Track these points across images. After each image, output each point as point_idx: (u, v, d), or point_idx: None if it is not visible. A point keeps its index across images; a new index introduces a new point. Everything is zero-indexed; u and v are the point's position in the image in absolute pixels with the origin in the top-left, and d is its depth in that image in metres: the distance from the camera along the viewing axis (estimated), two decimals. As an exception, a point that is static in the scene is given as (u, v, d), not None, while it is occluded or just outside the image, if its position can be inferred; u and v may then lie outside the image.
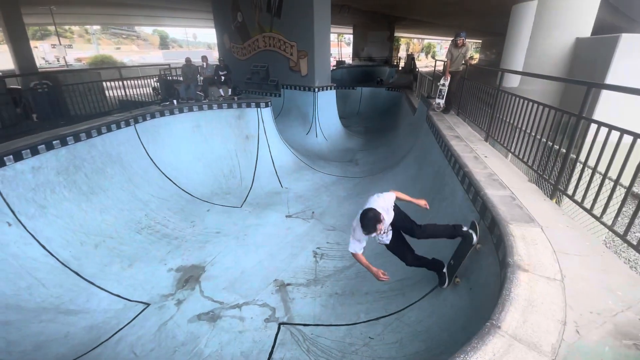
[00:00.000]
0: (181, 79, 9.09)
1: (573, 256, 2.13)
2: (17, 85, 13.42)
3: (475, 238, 2.76)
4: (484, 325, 1.56)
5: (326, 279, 4.61)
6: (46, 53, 39.85)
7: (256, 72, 12.15)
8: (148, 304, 4.21)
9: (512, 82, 6.48)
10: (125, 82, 9.37)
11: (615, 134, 2.43)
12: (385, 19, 29.52)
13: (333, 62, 26.98)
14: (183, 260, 5.11)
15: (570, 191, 3.02)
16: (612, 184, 2.48)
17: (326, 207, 6.84)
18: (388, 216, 2.89)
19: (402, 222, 3.07)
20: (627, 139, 2.34)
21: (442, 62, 9.17)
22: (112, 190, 5.76)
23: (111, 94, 10.03)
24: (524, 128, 4.08)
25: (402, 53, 49.83)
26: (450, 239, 3.08)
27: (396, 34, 38.40)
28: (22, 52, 15.34)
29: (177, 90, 8.03)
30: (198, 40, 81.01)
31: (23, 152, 4.66)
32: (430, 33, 54.87)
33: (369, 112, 15.87)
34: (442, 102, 6.39)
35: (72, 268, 4.48)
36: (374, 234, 2.76)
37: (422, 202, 3.23)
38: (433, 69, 10.83)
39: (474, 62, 6.15)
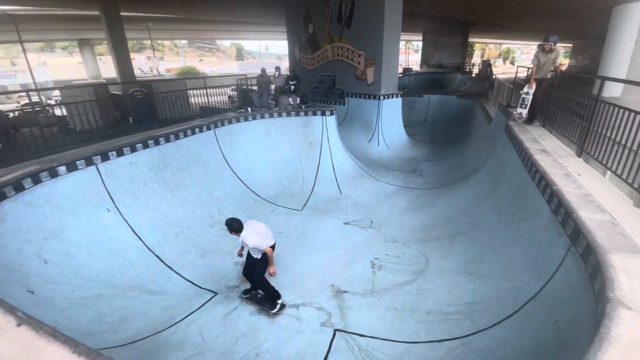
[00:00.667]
0: (255, 88, 9.82)
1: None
2: (117, 91, 15.99)
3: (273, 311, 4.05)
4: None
5: (384, 292, 4.48)
6: (142, 64, 46.49)
7: (323, 82, 12.51)
8: (216, 293, 4.57)
9: (613, 91, 5.62)
10: (206, 90, 10.48)
11: None
12: (459, 24, 28.08)
13: (399, 70, 26.46)
14: (247, 256, 5.44)
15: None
16: None
17: (385, 218, 6.68)
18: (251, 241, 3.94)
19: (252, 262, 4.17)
20: None
21: (526, 69, 8.35)
22: (192, 186, 6.43)
23: (193, 101, 11.33)
24: (628, 144, 3.48)
25: (476, 59, 46.64)
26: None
27: (470, 39, 36.20)
28: (123, 63, 18.16)
29: (252, 99, 8.67)
30: (270, 52, 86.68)
31: (124, 149, 5.48)
32: (510, 37, 50.40)
33: (436, 121, 15.13)
34: (524, 111, 5.80)
35: (156, 253, 5.09)
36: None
37: (272, 270, 4.24)
38: (514, 75, 9.90)
39: (563, 68, 5.49)
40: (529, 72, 5.79)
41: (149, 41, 34.76)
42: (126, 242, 4.84)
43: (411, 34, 37.74)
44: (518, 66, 10.44)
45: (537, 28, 32.74)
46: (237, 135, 7.94)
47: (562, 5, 18.24)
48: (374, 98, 10.54)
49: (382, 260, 5.22)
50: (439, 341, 3.41)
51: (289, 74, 8.80)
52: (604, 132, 3.85)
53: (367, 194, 7.76)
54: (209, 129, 7.15)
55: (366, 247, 5.65)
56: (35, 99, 17.20)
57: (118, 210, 5.03)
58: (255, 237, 3.92)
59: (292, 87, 8.64)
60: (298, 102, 8.77)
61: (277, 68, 9.20)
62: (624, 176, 3.21)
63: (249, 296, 4.38)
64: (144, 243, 5.05)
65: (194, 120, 8.00)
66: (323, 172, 8.26)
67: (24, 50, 18.03)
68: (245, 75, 9.55)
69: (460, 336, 3.31)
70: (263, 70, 8.96)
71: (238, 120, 7.97)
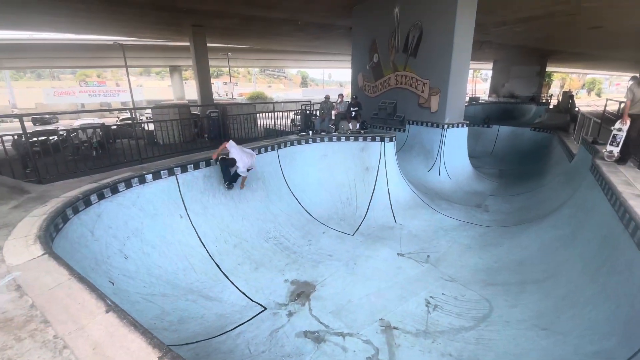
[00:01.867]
0: (317, 113, 10.28)
1: None
2: (197, 112, 18.04)
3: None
4: None
5: (439, 335, 4.13)
6: (219, 88, 51.99)
7: (383, 108, 12.58)
8: (265, 308, 4.67)
9: None
10: (273, 113, 11.31)
11: None
12: (535, 52, 26.35)
13: (466, 99, 25.40)
14: (298, 275, 5.51)
15: None
16: None
17: (444, 253, 6.25)
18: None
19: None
20: None
21: (618, 102, 7.41)
22: (253, 201, 6.83)
23: (260, 123, 12.28)
24: None
25: (555, 89, 42.77)
26: None
27: (548, 69, 33.54)
28: (204, 87, 20.54)
29: (314, 123, 9.07)
30: (332, 79, 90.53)
31: (200, 162, 6.09)
32: (596, 67, 45.51)
33: (506, 154, 14.06)
34: (616, 150, 5.10)
35: (216, 261, 5.44)
36: None
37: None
38: (602, 109, 8.82)
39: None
40: (622, 106, 5.13)
41: (227, 68, 38.96)
42: (192, 247, 5.27)
43: (481, 62, 36.38)
44: (607, 99, 9.30)
45: (630, 57, 29.10)
46: (296, 156, 8.30)
47: (665, 32, 16.11)
48: (437, 126, 10.24)
49: (439, 299, 4.85)
50: (503, 402, 3.00)
51: (351, 100, 9.05)
52: None
53: (424, 225, 7.39)
54: (272, 149, 7.62)
55: (421, 283, 5.32)
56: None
57: (189, 217, 5.54)
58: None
59: (353, 113, 8.84)
60: (357, 127, 8.91)
61: (341, 95, 9.56)
62: None
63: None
64: (206, 250, 5.45)
65: (260, 140, 8.62)
66: (378, 198, 8.13)
67: (127, 74, 21.50)
68: (310, 100, 10.07)
69: (530, 402, 2.88)
70: (327, 97, 9.38)
71: (299, 143, 8.36)
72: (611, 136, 5.17)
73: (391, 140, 8.36)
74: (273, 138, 8.43)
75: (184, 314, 4.28)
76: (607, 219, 3.87)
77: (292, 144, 8.16)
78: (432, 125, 10.50)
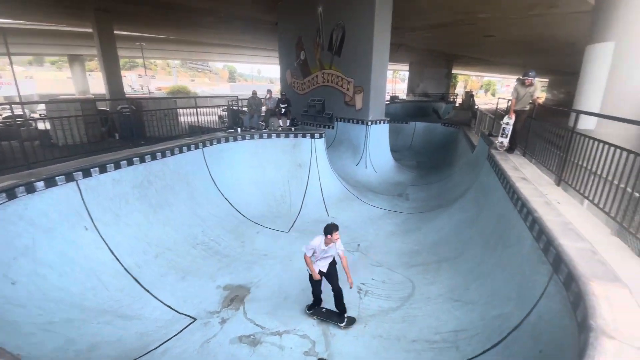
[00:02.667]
0: (246, 109, 9.92)
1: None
2: (106, 107, 15.86)
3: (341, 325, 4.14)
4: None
5: (370, 319, 4.37)
6: (133, 82, 46.59)
7: (313, 106, 12.78)
8: (194, 319, 4.36)
9: (588, 124, 5.94)
10: (197, 110, 10.53)
11: None
12: (443, 57, 29.60)
13: (387, 98, 27.31)
14: (231, 279, 5.26)
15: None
16: None
17: (372, 241, 6.65)
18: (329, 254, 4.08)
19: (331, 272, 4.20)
20: None
21: (506, 100, 8.79)
22: (176, 205, 6.29)
23: (183, 120, 11.33)
24: (604, 174, 3.65)
25: (459, 90, 48.87)
26: None
27: (454, 71, 38.05)
28: (113, 80, 18.16)
29: (242, 120, 8.74)
30: (262, 75, 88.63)
31: (107, 165, 5.36)
32: (491, 71, 53.34)
33: (422, 147, 15.55)
34: (505, 140, 6.04)
35: (133, 274, 4.87)
36: (323, 246, 3.93)
37: (350, 281, 4.08)
38: (495, 106, 10.39)
39: (540, 101, 5.81)
40: (509, 103, 6.08)
41: (141, 59, 35.08)
42: (102, 263, 4.62)
43: (398, 64, 39.46)
44: (499, 98, 10.98)
45: (517, 63, 34.88)
46: (224, 154, 7.91)
47: (539, 43, 19.60)
48: (362, 123, 10.80)
49: (369, 285, 5.14)
50: (425, 371, 3.32)
51: (280, 97, 8.96)
52: (580, 163, 4.03)
53: (354, 216, 7.75)
54: (197, 147, 7.11)
55: (353, 271, 5.48)
56: (18, 111, 16.85)
57: (96, 228, 4.83)
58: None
59: (283, 109, 8.78)
60: (288, 124, 8.88)
61: (269, 91, 9.38)
62: (601, 205, 3.34)
63: (313, 312, 4.42)
64: (121, 264, 4.83)
65: (183, 138, 7.96)
66: (311, 193, 8.25)
67: (10, 63, 17.79)
68: (237, 96, 9.66)
69: (446, 366, 3.23)
70: (254, 93, 9.10)
71: (227, 140, 7.98)
72: (501, 129, 6.09)
73: (321, 136, 8.53)
74: (198, 136, 7.86)
75: (95, 339, 3.73)
76: (501, 199, 4.55)
77: (219, 142, 7.74)
78: (357, 122, 11.04)
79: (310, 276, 4.13)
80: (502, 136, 6.12)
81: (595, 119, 5.42)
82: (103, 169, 5.16)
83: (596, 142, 3.64)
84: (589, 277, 2.20)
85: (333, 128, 11.94)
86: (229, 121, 8.63)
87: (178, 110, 11.52)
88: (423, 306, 4.40)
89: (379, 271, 5.51)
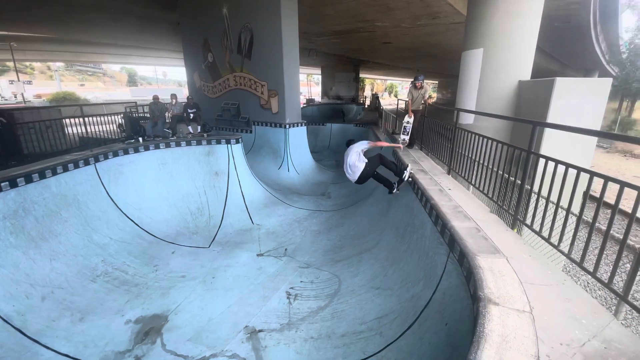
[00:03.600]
0: (148, 116, 8.93)
1: (538, 286, 2.20)
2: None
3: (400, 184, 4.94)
4: (463, 364, 1.53)
5: (301, 322, 4.37)
6: (3, 89, 37.88)
7: (227, 110, 12.25)
8: (100, 365, 3.72)
9: (468, 119, 6.99)
10: (87, 119, 9.04)
11: (562, 166, 2.66)
12: (350, 62, 31.62)
13: (303, 100, 27.98)
14: (143, 310, 4.66)
15: (528, 221, 3.19)
16: (564, 212, 2.65)
17: (299, 243, 6.69)
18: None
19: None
20: (572, 170, 2.57)
21: (404, 101, 9.82)
22: (65, 234, 5.28)
23: (72, 131, 9.59)
24: (481, 161, 4.37)
25: (367, 92, 53.00)
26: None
27: (361, 75, 41.07)
28: None
29: (144, 128, 7.82)
30: (168, 78, 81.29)
31: (-37, 195, 4.21)
32: (392, 74, 59.32)
33: (339, 147, 16.30)
34: (406, 137, 6.73)
35: (15, 325, 3.94)
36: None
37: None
38: (396, 107, 11.54)
39: (431, 101, 6.65)
40: (406, 104, 6.81)
41: (12, 62, 28.58)
42: (-40, 321, 3.59)
43: (311, 67, 40.72)
44: (398, 99, 12.22)
45: (411, 68, 39.46)
46: (125, 168, 6.97)
47: (425, 50, 22.49)
48: (281, 126, 10.79)
49: (298, 288, 5.14)
50: (355, 363, 3.45)
51: (187, 101, 8.30)
52: (463, 153, 4.73)
53: (280, 221, 7.67)
54: (87, 163, 6.08)
55: (281, 277, 5.49)
56: None
57: (-53, 278, 3.73)
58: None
59: (192, 115, 8.16)
60: (199, 130, 8.30)
61: (174, 95, 8.60)
62: (481, 188, 3.98)
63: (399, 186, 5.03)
64: (-8, 316, 3.84)
65: (70, 153, 6.73)
66: (232, 202, 7.87)
67: None
68: (136, 102, 8.61)
69: (373, 353, 3.42)
70: (156, 97, 8.22)
71: (126, 152, 7.04)
72: (403, 127, 6.77)
73: (238, 142, 8.21)
74: (89, 149, 6.74)
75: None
76: (406, 190, 5.05)
77: (116, 155, 6.78)
78: (275, 126, 10.98)
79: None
80: (403, 134, 6.82)
81: (473, 114, 6.44)
82: (-48, 201, 4.01)
83: (472, 135, 4.32)
84: (476, 252, 2.57)
85: (251, 132, 11.64)
86: (127, 130, 7.62)
87: (64, 120, 9.74)
88: (349, 299, 4.59)
89: (307, 272, 5.56)
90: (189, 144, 7.91)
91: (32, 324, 4.06)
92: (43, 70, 64.18)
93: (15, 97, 35.98)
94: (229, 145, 8.22)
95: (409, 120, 6.63)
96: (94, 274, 5.09)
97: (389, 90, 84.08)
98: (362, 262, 5.26)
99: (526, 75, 6.63)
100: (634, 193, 2.03)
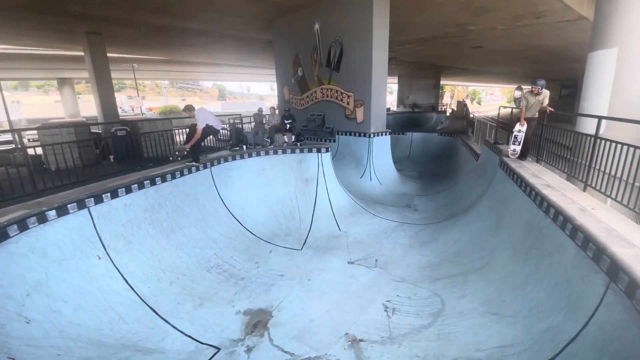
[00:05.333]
0: (246, 126, 9.85)
1: None
2: (98, 130, 15.50)
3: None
4: None
5: (402, 338, 4.20)
6: (123, 103, 46.22)
7: (312, 120, 12.80)
8: (218, 349, 4.11)
9: (592, 128, 6.02)
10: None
11: None
12: (431, 68, 30.36)
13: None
14: (250, 303, 5.03)
15: None
16: None
17: (390, 256, 6.51)
18: None
19: None
20: None
21: (510, 108, 8.92)
22: (187, 227, 6.07)
23: (178, 139, 11.13)
24: (624, 177, 3.67)
25: (447, 99, 50.06)
26: None
27: (441, 82, 39.00)
28: (107, 102, 17.89)
29: (246, 137, 8.65)
30: (251, 92, 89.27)
31: (119, 190, 5.16)
32: (476, 80, 54.97)
33: (420, 157, 15.67)
34: (518, 148, 6.08)
35: (150, 304, 4.61)
36: None
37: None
38: (490, 114, 10.58)
39: (551, 109, 5.90)
40: (515, 111, 6.15)
41: (129, 81, 34.99)
42: (117, 293, 4.36)
43: (388, 76, 40.23)
44: (500, 106, 11.19)
45: (500, 72, 36.02)
46: (232, 172, 7.76)
47: (524, 52, 20.26)
48: (365, 136, 10.82)
49: (395, 302, 4.97)
50: (475, 393, 3.15)
51: (284, 113, 8.94)
52: (602, 168, 4.04)
53: (366, 230, 7.62)
54: (205, 167, 6.95)
55: (375, 288, 5.40)
56: (7, 137, 16.38)
57: (109, 256, 4.59)
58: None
59: (288, 125, 8.73)
60: (293, 140, 8.82)
61: (273, 108, 9.37)
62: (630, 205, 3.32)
63: None
64: (136, 293, 4.58)
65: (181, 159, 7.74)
66: (320, 208, 8.11)
67: (0, 89, 17.42)
68: (240, 114, 9.61)
69: (498, 386, 3.08)
70: (260, 110, 9.07)
71: (234, 158, 7.84)
72: (513, 137, 6.13)
73: (327, 151, 8.48)
74: (204, 155, 7.68)
75: (116, 378, 3.46)
76: (526, 206, 4.51)
77: (225, 160, 7.60)
78: (359, 135, 11.06)
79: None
80: (514, 143, 6.17)
81: (600, 123, 5.51)
82: (115, 194, 4.96)
83: (619, 145, 3.66)
84: (660, 285, 2.12)
85: (334, 142, 11.93)
86: (233, 139, 8.51)
87: (174, 130, 11.36)
88: (457, 321, 4.25)
89: (402, 287, 5.35)
90: (284, 152, 8.45)
91: (162, 305, 4.70)
92: (152, 87, 76.57)
93: (132, 110, 43.46)
94: (319, 153, 8.53)
95: (520, 128, 5.98)
96: (209, 265, 5.71)
97: (472, 97, 78.11)
98: (469, 282, 4.85)
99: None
100: None
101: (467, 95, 75.85)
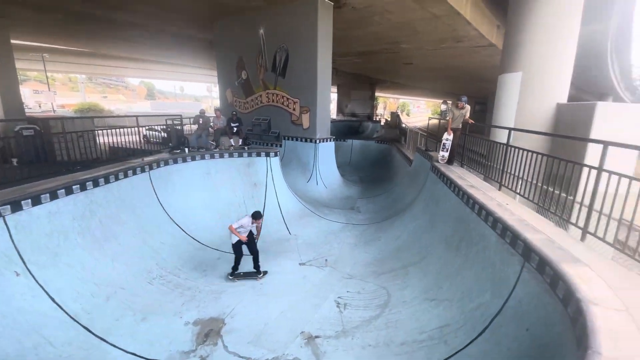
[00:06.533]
0: (186, 128, 9.35)
1: (625, 290, 2.34)
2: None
3: (259, 277, 5.74)
4: (588, 353, 1.69)
5: (355, 330, 4.47)
6: (26, 98, 39.51)
7: (258, 124, 12.69)
8: (168, 362, 3.87)
9: (503, 138, 7.16)
10: (115, 130, 9.30)
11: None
12: (368, 80, 32.37)
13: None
14: (199, 313, 4.82)
15: (594, 231, 3.33)
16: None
17: (338, 255, 6.82)
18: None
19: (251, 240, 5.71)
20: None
21: (437, 119, 10.08)
22: (123, 237, 5.55)
23: (101, 141, 9.94)
24: (528, 178, 4.55)
25: (381, 110, 53.79)
26: None
27: (376, 94, 41.82)
28: (10, 97, 15.17)
29: (187, 139, 8.22)
30: (185, 93, 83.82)
31: (42, 196, 4.52)
32: (407, 94, 60.21)
33: (360, 163, 16.59)
34: (446, 154, 6.94)
35: (82, 323, 4.13)
36: (249, 225, 5.54)
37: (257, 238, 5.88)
38: (421, 124, 11.83)
39: (472, 121, 6.89)
40: (443, 122, 7.04)
41: (33, 72, 30.12)
42: (42, 314, 3.82)
43: (327, 85, 41.61)
44: (429, 117, 12.49)
45: (428, 88, 40.13)
46: (173, 177, 7.31)
47: (448, 71, 22.98)
48: (311, 141, 11.12)
49: (346, 298, 5.25)
50: (421, 370, 3.53)
51: (231, 116, 8.73)
52: (515, 173, 4.91)
53: (315, 232, 7.84)
54: (143, 170, 6.43)
55: (327, 286, 5.62)
56: None
57: (30, 272, 3.99)
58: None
59: (235, 128, 8.55)
60: (240, 143, 8.67)
61: (218, 110, 9.05)
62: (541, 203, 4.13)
63: (235, 275, 5.74)
64: (65, 312, 4.06)
65: (102, 163, 6.95)
66: (270, 213, 8.09)
67: None
68: (181, 115, 9.08)
69: (440, 361, 3.50)
70: (202, 111, 8.68)
71: (175, 162, 7.40)
72: (442, 145, 6.98)
73: (276, 155, 8.53)
74: (120, 160, 6.98)
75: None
76: (455, 205, 5.20)
77: (166, 164, 7.13)
78: (305, 140, 11.33)
79: (235, 244, 5.53)
80: (442, 150, 7.02)
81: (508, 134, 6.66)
82: (37, 201, 4.32)
83: (528, 153, 4.51)
84: (559, 260, 2.71)
85: (281, 146, 12.00)
86: (172, 141, 8.02)
87: (96, 131, 10.10)
88: (402, 310, 4.68)
89: (352, 283, 5.67)
90: (231, 155, 8.25)
91: (98, 322, 4.25)
92: (64, 81, 67.02)
93: (40, 106, 37.47)
94: (268, 158, 8.54)
95: (448, 137, 6.85)
96: (151, 276, 5.30)
97: (402, 108, 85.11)
98: (410, 275, 5.36)
99: (563, 98, 6.86)
100: None
101: (398, 107, 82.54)
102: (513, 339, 2.90)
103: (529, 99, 6.79)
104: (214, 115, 8.87)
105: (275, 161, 8.50)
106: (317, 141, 11.03)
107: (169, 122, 10.02)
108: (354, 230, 8.07)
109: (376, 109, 46.03)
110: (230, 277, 5.68)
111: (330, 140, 11.62)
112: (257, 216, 5.49)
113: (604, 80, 24.48)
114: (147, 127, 11.41)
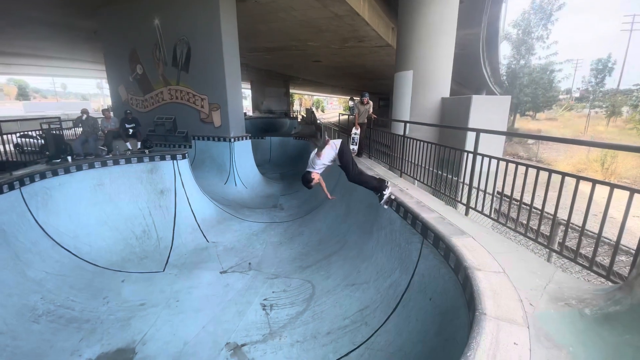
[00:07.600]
0: (67, 132, 7.88)
1: (501, 254, 2.83)
2: None
3: (383, 199, 4.39)
4: (476, 315, 1.97)
5: (282, 330, 4.45)
6: None
7: (161, 124, 11.48)
8: (63, 415, 3.25)
9: (400, 130, 7.96)
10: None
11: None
12: (281, 77, 32.38)
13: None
14: (103, 346, 4.17)
15: (473, 206, 3.96)
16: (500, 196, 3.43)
17: (262, 256, 6.68)
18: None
19: (345, 161, 4.35)
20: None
21: (347, 115, 10.63)
22: (-13, 273, 4.40)
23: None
24: (427, 166, 5.19)
25: (297, 107, 54.62)
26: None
27: (291, 91, 42.17)
28: None
29: (70, 146, 6.92)
30: (68, 91, 70.74)
31: None
32: (320, 91, 62.30)
33: (280, 159, 16.54)
34: (355, 147, 7.39)
35: None
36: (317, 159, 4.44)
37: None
38: (333, 120, 12.38)
39: (375, 116, 7.47)
40: (351, 118, 7.49)
41: None
42: None
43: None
44: (340, 113, 13.10)
45: (339, 85, 42.18)
46: (54, 192, 6.09)
47: (354, 69, 24.46)
48: (225, 140, 10.57)
49: (271, 299, 5.18)
50: (346, 355, 3.71)
51: (125, 116, 7.63)
52: (411, 160, 5.51)
53: (236, 236, 7.52)
54: (12, 188, 5.17)
55: (252, 290, 5.45)
56: None
57: None
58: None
59: (131, 130, 7.52)
60: (139, 147, 7.68)
61: (107, 110, 7.79)
62: (435, 187, 4.72)
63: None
64: None
65: None
66: (182, 222, 7.43)
67: None
68: (59, 118, 7.57)
69: (362, 342, 3.73)
70: (85, 111, 7.33)
71: (55, 174, 6.16)
72: (351, 138, 7.40)
73: (184, 157, 7.83)
74: (8, 172, 5.69)
75: None
76: (366, 193, 5.57)
77: (43, 177, 5.89)
78: (219, 140, 10.72)
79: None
80: (352, 144, 7.46)
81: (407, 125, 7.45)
82: None
83: (421, 143, 5.10)
84: (449, 235, 3.13)
85: (191, 147, 11.11)
86: (50, 149, 6.66)
87: None
88: (326, 300, 4.84)
89: (277, 282, 5.62)
90: (128, 161, 7.26)
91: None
92: None
93: None
94: (175, 161, 7.79)
95: (356, 132, 7.31)
96: (35, 314, 4.35)
97: (316, 105, 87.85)
98: (332, 264, 5.58)
99: (446, 93, 8.02)
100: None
101: (313, 104, 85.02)
102: (420, 309, 3.26)
103: (420, 95, 7.71)
104: (102, 116, 7.64)
105: (183, 164, 7.80)
106: (232, 140, 10.55)
107: (45, 126, 8.37)
108: (278, 229, 8.01)
109: (292, 106, 46.53)
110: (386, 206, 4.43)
111: (246, 139, 11.24)
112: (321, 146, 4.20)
113: (478, 77, 29.40)
114: (19, 134, 9.17)
